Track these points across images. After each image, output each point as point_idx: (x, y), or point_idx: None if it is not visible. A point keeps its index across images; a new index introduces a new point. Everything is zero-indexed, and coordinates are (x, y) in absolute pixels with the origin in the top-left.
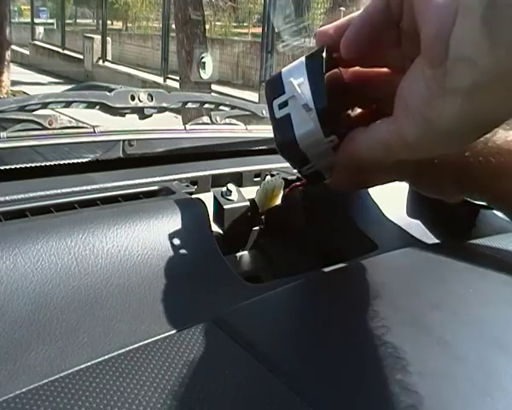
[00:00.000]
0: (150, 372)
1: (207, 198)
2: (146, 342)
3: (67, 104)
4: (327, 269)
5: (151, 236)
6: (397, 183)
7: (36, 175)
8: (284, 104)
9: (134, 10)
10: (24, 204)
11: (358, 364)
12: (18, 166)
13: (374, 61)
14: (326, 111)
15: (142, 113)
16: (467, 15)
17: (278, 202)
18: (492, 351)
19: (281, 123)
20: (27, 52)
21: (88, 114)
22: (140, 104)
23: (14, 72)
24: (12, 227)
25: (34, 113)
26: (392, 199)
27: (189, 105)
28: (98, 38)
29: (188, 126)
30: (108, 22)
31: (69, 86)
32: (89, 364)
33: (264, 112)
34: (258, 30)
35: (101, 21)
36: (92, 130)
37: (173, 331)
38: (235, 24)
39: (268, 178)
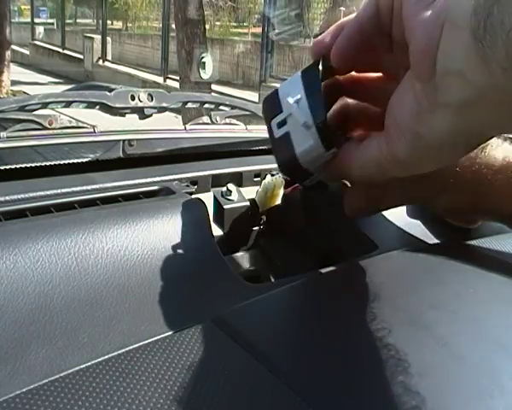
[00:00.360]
0: (150, 372)
1: (207, 198)
2: (146, 342)
3: (67, 104)
4: (327, 269)
5: (151, 236)
6: None
7: (36, 175)
8: (283, 123)
9: (134, 10)
10: (24, 204)
11: (359, 364)
12: (18, 166)
13: (368, 68)
14: (325, 125)
15: (142, 113)
16: (454, 29)
17: (278, 201)
18: (492, 351)
19: (280, 142)
20: (27, 52)
21: (88, 114)
22: (140, 104)
23: (14, 72)
24: (12, 227)
25: (34, 113)
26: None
27: (189, 105)
28: (98, 37)
29: (188, 126)
30: (108, 22)
31: (69, 86)
32: (89, 364)
33: None
34: (258, 30)
35: (101, 21)
36: (92, 130)
37: (173, 331)
38: (235, 24)
39: (268, 177)
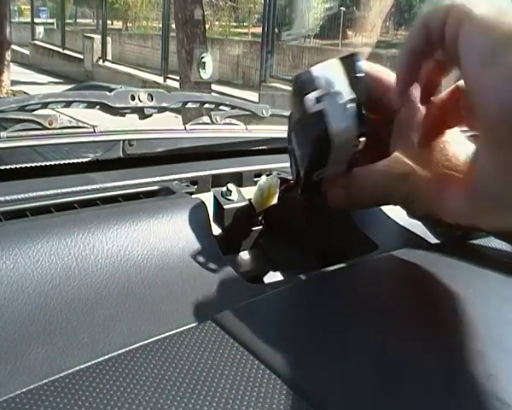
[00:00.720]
0: (150, 372)
1: (207, 198)
2: (146, 342)
3: (67, 104)
4: (327, 269)
5: (151, 236)
6: None
7: (36, 175)
8: (319, 100)
9: (134, 10)
10: (24, 204)
11: (359, 363)
12: (18, 166)
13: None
14: (363, 111)
15: (142, 113)
16: None
17: (274, 201)
18: (492, 351)
19: (314, 118)
20: (27, 52)
21: (88, 114)
22: (140, 104)
23: (15, 71)
24: (12, 227)
25: (34, 113)
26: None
27: (189, 105)
28: (98, 37)
29: (188, 126)
30: (108, 22)
31: (69, 86)
32: (89, 364)
33: (264, 112)
34: (258, 30)
35: (101, 21)
36: (92, 130)
37: (173, 331)
38: (235, 24)
39: (263, 178)
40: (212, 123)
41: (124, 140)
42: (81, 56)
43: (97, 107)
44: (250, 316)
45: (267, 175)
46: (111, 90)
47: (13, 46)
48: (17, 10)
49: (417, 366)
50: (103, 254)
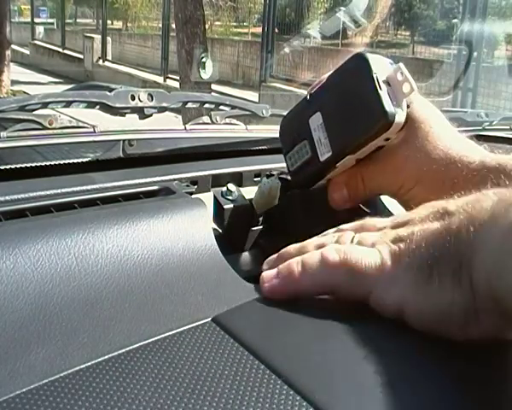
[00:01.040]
0: (150, 372)
1: (207, 198)
2: (146, 342)
3: (67, 104)
4: None
5: (151, 236)
6: None
7: (36, 175)
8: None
9: (134, 10)
10: (24, 204)
11: (359, 363)
12: (18, 166)
13: None
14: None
15: (142, 113)
16: None
17: (275, 203)
18: (492, 351)
19: (384, 96)
20: (27, 52)
21: (88, 114)
22: (140, 104)
23: (15, 71)
24: (12, 227)
25: (34, 112)
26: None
27: (189, 105)
28: (98, 37)
29: (188, 126)
30: (108, 22)
31: (69, 86)
32: (89, 364)
33: (264, 112)
34: (259, 30)
35: (101, 21)
36: (92, 130)
37: (173, 331)
38: (235, 24)
39: (264, 179)
40: (212, 123)
41: (124, 140)
42: (81, 56)
43: (97, 107)
44: (250, 316)
45: (267, 176)
46: (111, 90)
47: (13, 46)
48: (17, 10)
49: (416, 365)
50: (103, 254)
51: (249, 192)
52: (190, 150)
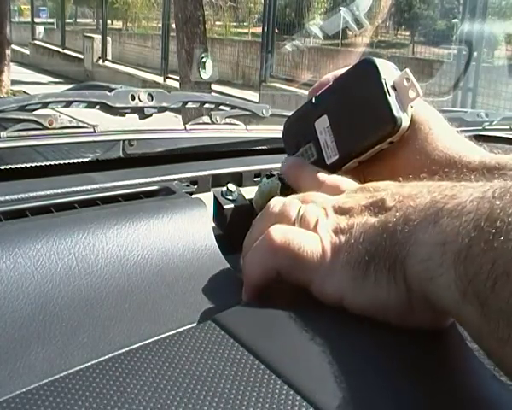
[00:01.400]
0: (150, 372)
1: (207, 198)
2: (146, 342)
3: (67, 104)
4: None
5: (151, 236)
6: None
7: (36, 175)
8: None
9: (134, 10)
10: (24, 204)
11: (359, 363)
12: (18, 166)
13: None
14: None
15: (142, 112)
16: None
17: None
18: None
19: (393, 101)
20: (27, 52)
21: (88, 114)
22: (140, 104)
23: (15, 71)
24: (12, 227)
25: (34, 112)
26: None
27: (189, 105)
28: (98, 37)
29: (188, 126)
30: (108, 22)
31: (69, 86)
32: (89, 364)
33: (264, 112)
34: (259, 30)
35: (101, 21)
36: (92, 130)
37: (173, 331)
38: (235, 24)
39: (264, 179)
40: (212, 123)
41: (124, 140)
42: (81, 56)
43: (97, 107)
44: (250, 316)
45: (267, 176)
46: (111, 90)
47: (13, 46)
48: (17, 10)
49: (416, 365)
50: (103, 254)
51: (249, 192)
52: (190, 150)
